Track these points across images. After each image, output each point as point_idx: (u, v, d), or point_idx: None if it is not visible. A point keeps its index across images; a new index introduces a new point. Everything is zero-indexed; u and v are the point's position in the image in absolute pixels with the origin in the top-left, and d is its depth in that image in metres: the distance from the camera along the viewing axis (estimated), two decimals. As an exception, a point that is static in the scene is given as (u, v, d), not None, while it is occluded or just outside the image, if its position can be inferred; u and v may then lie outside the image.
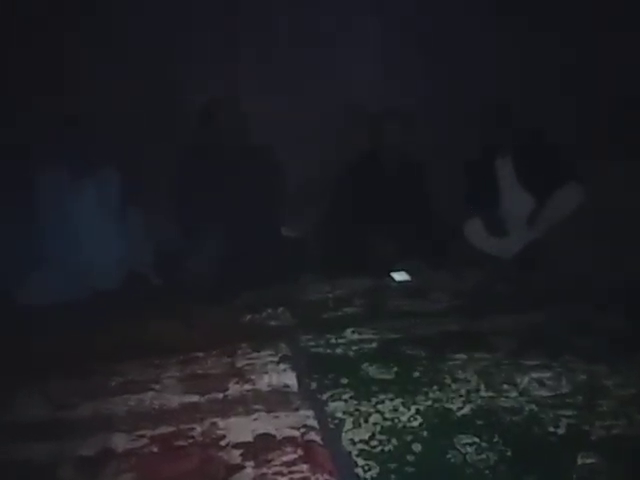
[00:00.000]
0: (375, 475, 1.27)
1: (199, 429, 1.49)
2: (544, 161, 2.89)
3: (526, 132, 3.03)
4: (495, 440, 1.38)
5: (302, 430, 1.44)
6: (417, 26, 3.40)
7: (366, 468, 1.29)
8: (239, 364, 1.88)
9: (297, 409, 1.56)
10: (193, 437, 1.45)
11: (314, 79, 3.35)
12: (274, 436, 1.43)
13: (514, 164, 3.02)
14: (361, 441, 1.39)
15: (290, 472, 1.28)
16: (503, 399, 1.57)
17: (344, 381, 1.72)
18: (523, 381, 1.67)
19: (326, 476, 1.26)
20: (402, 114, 3.08)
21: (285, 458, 1.33)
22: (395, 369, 1.78)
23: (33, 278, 2.62)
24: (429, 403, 1.56)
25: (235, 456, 1.35)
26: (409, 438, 1.40)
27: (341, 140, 3.25)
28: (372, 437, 1.41)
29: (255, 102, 3.02)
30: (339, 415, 1.52)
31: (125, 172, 2.86)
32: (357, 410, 1.54)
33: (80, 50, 3.07)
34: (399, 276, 2.80)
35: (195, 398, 1.67)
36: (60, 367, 1.95)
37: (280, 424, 1.48)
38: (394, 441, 1.39)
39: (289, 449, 1.36)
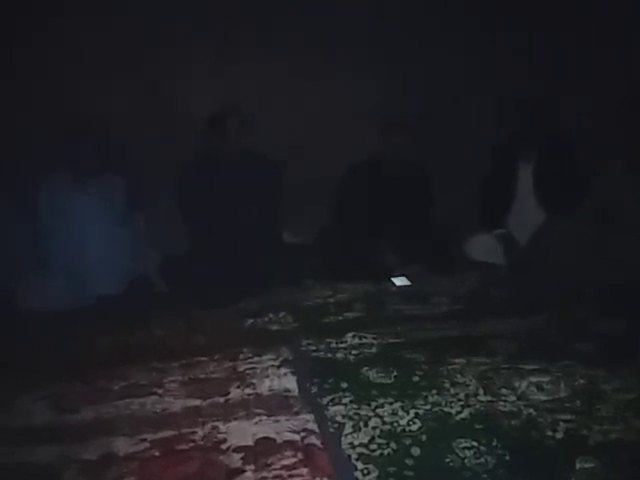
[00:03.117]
0: (374, 479, 1.28)
1: (200, 433, 1.50)
2: (563, 175, 2.82)
3: (549, 137, 2.95)
4: (494, 444, 1.39)
5: (302, 434, 1.46)
6: (420, 27, 3.40)
7: (365, 472, 1.30)
8: (241, 368, 1.89)
9: (297, 413, 1.57)
10: (194, 441, 1.47)
11: (314, 80, 3.36)
12: (274, 440, 1.44)
13: (534, 173, 2.94)
14: (361, 445, 1.41)
15: (290, 476, 1.29)
16: (502, 403, 1.58)
17: (344, 385, 1.73)
18: (522, 385, 1.68)
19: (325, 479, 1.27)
20: (406, 119, 3.08)
21: (285, 462, 1.34)
22: (395, 373, 1.80)
23: (37, 283, 2.63)
24: (428, 407, 1.58)
25: (236, 460, 1.37)
26: (408, 442, 1.41)
27: (344, 144, 3.25)
28: (371, 441, 1.42)
29: (256, 105, 3.03)
30: (339, 419, 1.53)
31: (129, 177, 2.87)
32: (357, 414, 1.55)
33: (81, 52, 3.08)
34: (399, 281, 2.80)
35: (197, 402, 1.68)
36: (63, 371, 1.96)
37: (280, 428, 1.49)
38: (393, 445, 1.40)
39: (289, 453, 1.38)
